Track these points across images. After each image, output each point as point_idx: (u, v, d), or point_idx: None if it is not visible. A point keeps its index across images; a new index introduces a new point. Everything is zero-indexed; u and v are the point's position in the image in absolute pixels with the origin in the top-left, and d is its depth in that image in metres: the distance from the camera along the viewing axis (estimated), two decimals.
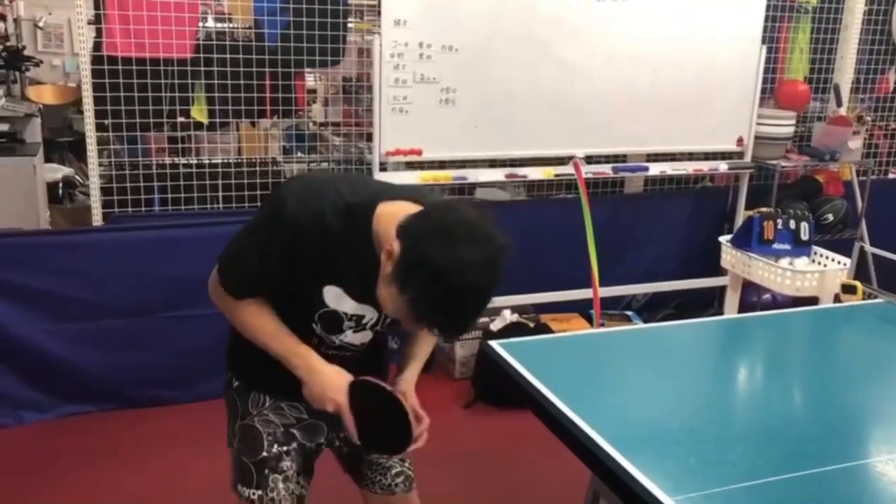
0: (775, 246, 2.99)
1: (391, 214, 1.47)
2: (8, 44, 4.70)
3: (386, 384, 1.67)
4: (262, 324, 1.62)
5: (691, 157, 4.09)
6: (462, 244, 1.35)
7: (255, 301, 1.61)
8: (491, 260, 1.37)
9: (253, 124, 3.74)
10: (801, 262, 2.99)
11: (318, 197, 1.51)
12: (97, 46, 3.25)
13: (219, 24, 3.53)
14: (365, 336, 1.68)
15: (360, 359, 1.72)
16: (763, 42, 3.96)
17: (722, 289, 3.92)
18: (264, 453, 1.71)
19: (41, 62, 5.38)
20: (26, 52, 5.20)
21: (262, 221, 1.56)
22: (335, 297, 1.58)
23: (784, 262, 2.97)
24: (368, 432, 1.63)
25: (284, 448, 1.73)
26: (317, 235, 1.49)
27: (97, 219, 3.35)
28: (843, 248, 3.62)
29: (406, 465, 1.86)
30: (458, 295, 1.36)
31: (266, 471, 1.71)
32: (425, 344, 1.80)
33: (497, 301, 3.72)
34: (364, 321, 1.64)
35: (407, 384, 1.74)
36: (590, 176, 3.77)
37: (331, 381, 1.60)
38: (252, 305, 1.61)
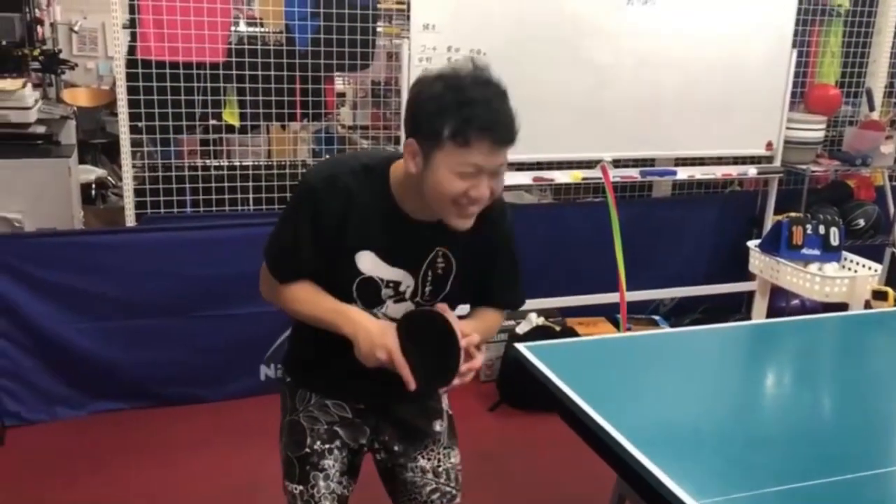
0: (804, 251, 2.97)
1: (400, 167, 1.56)
2: (45, 48, 4.79)
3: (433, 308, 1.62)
4: (306, 296, 1.64)
5: (720, 161, 4.07)
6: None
7: (300, 282, 1.64)
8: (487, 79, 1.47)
9: (283, 127, 3.78)
10: (831, 268, 2.97)
11: (335, 165, 1.65)
12: (132, 50, 3.31)
13: (250, 29, 3.58)
14: (407, 308, 1.67)
15: None
16: (794, 45, 3.92)
17: (750, 294, 3.90)
18: (307, 449, 1.75)
19: (76, 65, 5.48)
20: (62, 56, 5.30)
21: (291, 202, 1.65)
22: (369, 262, 1.60)
23: (813, 267, 2.95)
24: (423, 370, 1.56)
25: (327, 446, 1.75)
26: (336, 198, 1.55)
27: (130, 219, 3.41)
28: (874, 253, 3.57)
29: (442, 480, 1.82)
30: (472, 87, 1.44)
31: (307, 467, 1.74)
32: (489, 317, 1.78)
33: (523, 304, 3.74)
34: (402, 289, 1.64)
35: (466, 325, 1.65)
36: (617, 180, 3.77)
37: (377, 329, 1.57)
38: (296, 285, 1.64)
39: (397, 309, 1.65)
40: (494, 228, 1.67)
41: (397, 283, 1.63)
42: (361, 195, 1.56)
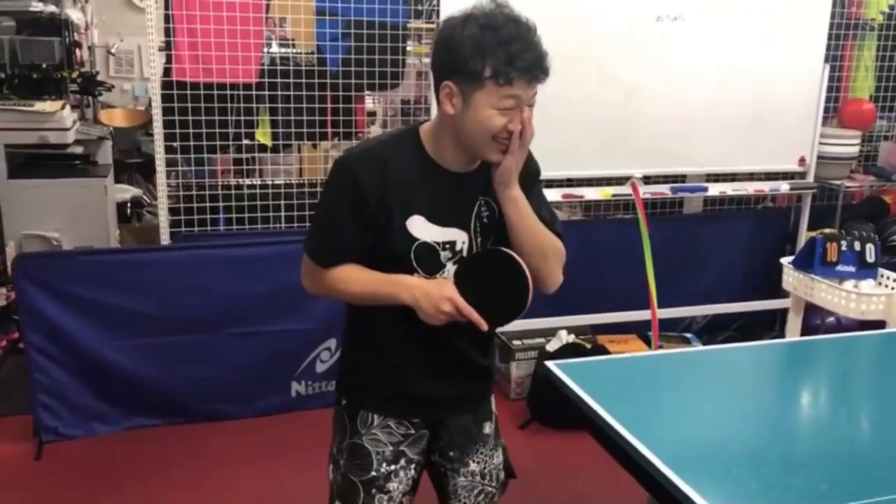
0: (839, 268, 2.92)
1: (432, 123, 1.62)
2: (83, 70, 4.90)
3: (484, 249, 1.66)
4: (356, 275, 1.64)
5: (752, 177, 4.03)
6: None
7: (346, 265, 1.65)
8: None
9: (314, 146, 3.82)
10: (867, 285, 2.91)
11: (366, 143, 1.72)
12: (167, 72, 3.38)
13: (282, 50, 3.64)
14: None
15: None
16: (826, 60, 3.88)
17: (784, 311, 3.84)
18: (373, 472, 1.73)
19: (112, 87, 5.60)
20: (99, 78, 5.42)
21: (329, 188, 1.65)
22: (421, 227, 1.61)
23: (849, 284, 2.90)
24: (496, 306, 1.60)
25: (393, 467, 1.74)
26: (375, 170, 1.57)
27: (165, 237, 3.47)
28: None
29: (486, 481, 1.84)
30: (506, 25, 1.49)
31: (373, 490, 1.73)
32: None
33: (553, 321, 3.73)
34: (458, 248, 1.65)
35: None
36: (648, 196, 3.75)
37: (434, 286, 1.59)
38: (343, 267, 1.65)
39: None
40: (524, 168, 1.67)
41: (452, 243, 1.64)
42: (399, 161, 1.59)
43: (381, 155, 1.60)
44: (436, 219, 1.62)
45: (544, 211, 1.71)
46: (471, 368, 1.77)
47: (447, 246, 1.64)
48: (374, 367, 1.73)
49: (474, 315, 1.57)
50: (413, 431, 1.76)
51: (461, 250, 1.65)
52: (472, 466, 1.82)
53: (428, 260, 1.63)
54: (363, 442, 1.74)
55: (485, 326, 1.58)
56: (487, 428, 1.85)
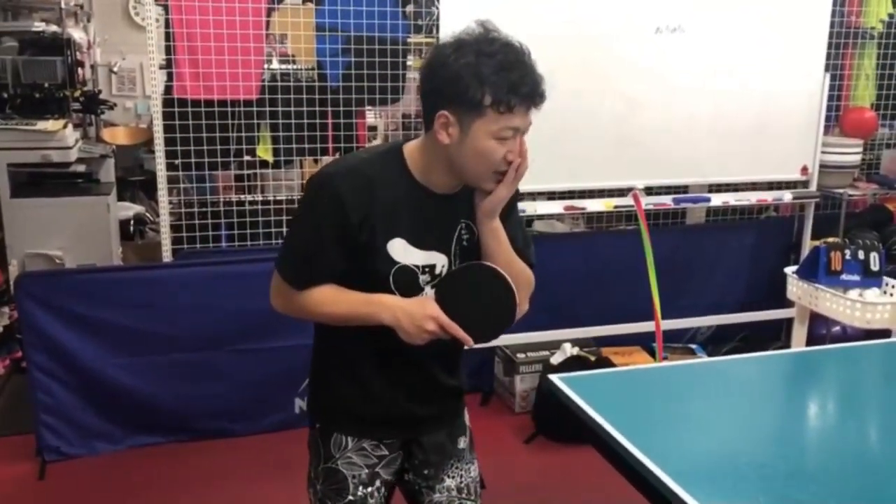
0: (843, 277, 2.90)
1: (417, 144, 1.58)
2: (85, 89, 4.92)
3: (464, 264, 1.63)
4: (333, 296, 1.60)
5: (754, 186, 4.02)
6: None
7: (321, 286, 1.60)
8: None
9: (316, 161, 3.82)
10: (872, 294, 2.89)
11: (349, 159, 1.67)
12: (168, 90, 3.39)
13: (283, 66, 3.64)
14: None
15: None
16: (826, 69, 3.88)
17: (789, 321, 3.82)
18: (350, 497, 1.71)
19: (115, 105, 5.62)
20: (101, 96, 5.45)
21: (307, 205, 1.60)
22: (401, 250, 1.58)
23: (853, 293, 2.88)
24: (481, 322, 1.58)
25: (369, 489, 1.73)
26: (359, 189, 1.53)
27: (167, 254, 3.46)
28: None
29: (464, 495, 1.83)
30: (503, 51, 1.46)
31: None
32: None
33: (557, 334, 3.72)
34: (437, 271, 1.62)
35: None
36: (650, 207, 3.74)
37: (416, 305, 1.56)
38: (319, 288, 1.60)
39: None
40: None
41: (432, 267, 1.62)
42: (383, 180, 1.55)
43: (366, 173, 1.55)
44: (417, 242, 1.59)
45: (520, 238, 1.71)
46: (442, 388, 1.75)
47: (427, 269, 1.61)
48: (346, 388, 1.70)
49: (460, 332, 1.55)
50: (387, 452, 1.75)
51: (440, 273, 1.63)
52: (448, 482, 1.80)
53: (406, 284, 1.60)
54: (338, 466, 1.72)
55: (471, 343, 1.56)
56: (462, 443, 1.84)
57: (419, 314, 1.54)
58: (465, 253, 1.65)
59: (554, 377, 2.01)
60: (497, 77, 1.44)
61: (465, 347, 1.61)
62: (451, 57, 1.47)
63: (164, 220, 3.45)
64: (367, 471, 1.72)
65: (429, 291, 1.62)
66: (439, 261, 1.62)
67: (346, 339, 1.66)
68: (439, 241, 1.61)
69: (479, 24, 1.51)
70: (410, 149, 1.60)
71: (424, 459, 1.78)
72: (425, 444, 1.78)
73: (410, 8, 3.64)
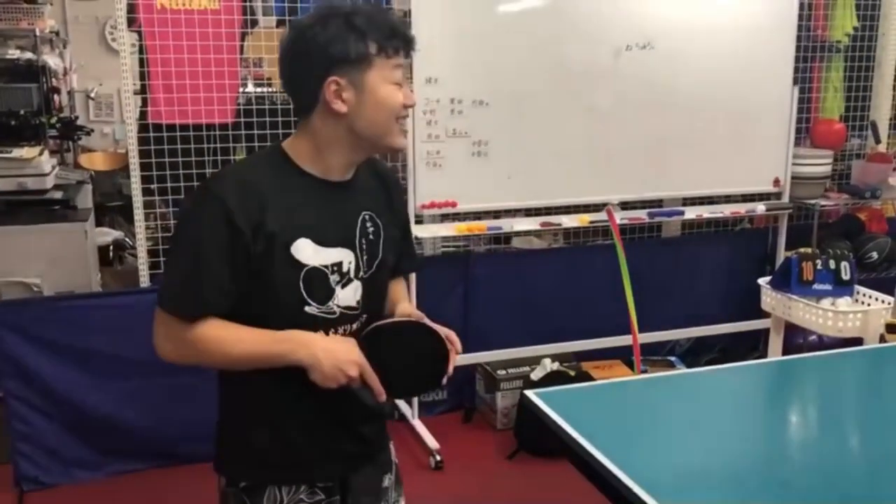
0: (816, 286, 2.95)
1: (296, 137, 1.54)
2: (62, 115, 4.91)
3: (393, 318, 1.59)
4: (234, 335, 1.46)
5: (728, 199, 4.08)
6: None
7: (214, 319, 1.45)
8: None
9: None
10: (844, 303, 2.94)
11: (230, 169, 1.65)
12: (143, 115, 3.39)
13: (258, 89, 3.66)
14: (357, 290, 1.56)
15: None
16: (795, 82, 3.96)
17: (766, 331, 3.85)
18: None
19: (92, 131, 5.61)
20: (79, 122, 5.43)
21: (185, 226, 1.50)
22: (308, 251, 1.49)
23: (825, 302, 2.92)
24: (401, 379, 1.52)
25: None
26: (245, 194, 1.44)
27: (145, 280, 3.46)
28: (890, 286, 3.55)
29: None
30: (364, 7, 1.48)
31: None
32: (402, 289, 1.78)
33: (537, 349, 3.74)
34: (345, 269, 1.53)
35: (410, 307, 1.67)
36: (625, 222, 3.78)
37: (338, 346, 1.47)
38: (212, 322, 1.45)
39: (346, 294, 1.55)
40: (394, 181, 1.71)
41: (339, 264, 1.52)
42: (271, 180, 1.47)
43: (250, 178, 1.47)
44: (321, 239, 1.49)
45: (415, 256, 1.80)
46: (365, 409, 1.56)
47: (335, 268, 1.51)
48: (270, 434, 1.56)
49: (377, 384, 1.47)
50: (324, 497, 1.60)
51: (348, 271, 1.53)
52: None
53: (318, 286, 1.49)
54: None
55: (384, 397, 1.48)
56: (387, 481, 1.74)
57: (343, 357, 1.45)
58: (372, 248, 1.58)
59: (530, 393, 2.01)
60: (373, 27, 1.46)
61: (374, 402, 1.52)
62: (317, 27, 1.46)
63: (141, 246, 3.45)
64: None
65: (339, 292, 1.53)
66: (345, 257, 1.53)
67: (259, 379, 1.52)
68: (343, 237, 1.53)
69: (322, 2, 1.56)
70: (290, 144, 1.54)
71: (354, 500, 1.66)
72: (354, 489, 1.65)
73: None
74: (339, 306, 1.54)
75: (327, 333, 1.53)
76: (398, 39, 1.49)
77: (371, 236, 1.59)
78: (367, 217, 1.58)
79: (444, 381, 1.57)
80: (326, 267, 1.51)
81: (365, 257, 1.57)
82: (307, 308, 1.50)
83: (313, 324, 1.51)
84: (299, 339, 1.47)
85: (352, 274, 1.55)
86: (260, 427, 1.57)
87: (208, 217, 1.43)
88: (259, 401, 1.57)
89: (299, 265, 1.48)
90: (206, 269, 1.43)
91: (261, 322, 1.48)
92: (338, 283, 1.53)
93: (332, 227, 1.52)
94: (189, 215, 1.51)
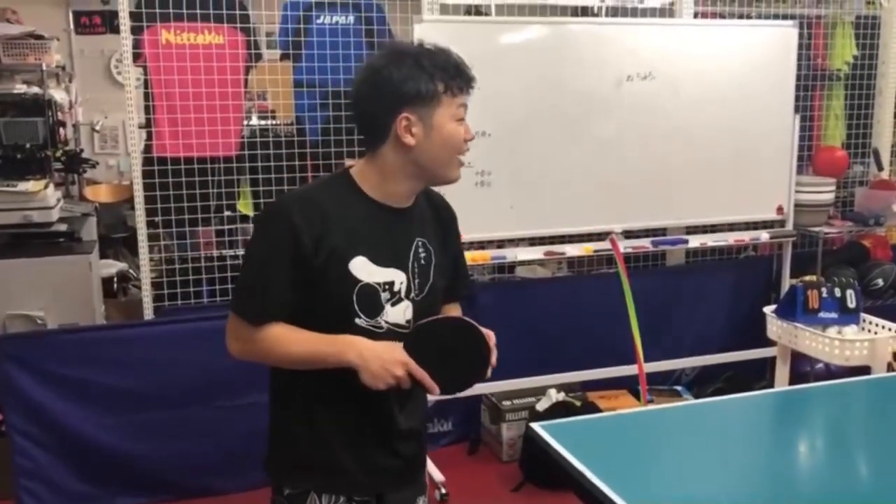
0: (821, 315, 2.93)
1: (364, 164, 1.66)
2: (67, 148, 4.95)
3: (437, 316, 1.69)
4: (294, 336, 1.60)
5: (731, 227, 4.07)
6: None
7: (278, 325, 1.61)
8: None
9: None
10: (850, 331, 2.92)
11: (298, 191, 1.77)
12: (148, 148, 3.42)
13: (262, 122, 3.69)
14: (406, 309, 1.67)
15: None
16: (796, 111, 3.97)
17: (773, 359, 3.83)
18: None
19: (97, 164, 5.65)
20: (84, 155, 5.47)
21: (260, 238, 1.65)
22: (363, 269, 1.61)
23: (832, 331, 2.91)
24: (447, 376, 1.61)
25: None
26: (314, 214, 1.57)
27: (148, 312, 3.46)
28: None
29: None
30: (429, 49, 1.61)
31: None
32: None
33: (542, 380, 3.71)
34: (396, 288, 1.65)
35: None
36: (629, 251, 3.78)
37: (384, 348, 1.59)
38: (276, 328, 1.60)
39: (396, 312, 1.66)
40: (449, 212, 1.80)
41: (391, 283, 1.64)
42: (336, 201, 1.61)
43: (316, 197, 1.61)
44: (377, 259, 1.62)
45: (467, 279, 1.88)
46: (405, 431, 1.74)
47: (387, 287, 1.64)
48: (316, 442, 1.68)
49: (427, 379, 1.58)
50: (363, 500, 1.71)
51: (399, 291, 1.65)
52: None
53: (369, 302, 1.62)
54: None
55: (437, 391, 1.59)
56: (420, 502, 1.84)
57: (389, 357, 1.56)
58: (423, 272, 1.69)
59: (536, 425, 2.00)
60: (440, 68, 1.59)
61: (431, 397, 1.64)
62: (391, 67, 1.58)
63: (145, 278, 3.46)
64: None
65: (389, 310, 1.65)
66: (398, 278, 1.65)
67: (310, 389, 1.66)
68: (397, 258, 1.65)
69: (389, 43, 1.66)
70: (358, 170, 1.66)
71: None
72: (391, 501, 1.76)
73: None
74: (387, 322, 1.65)
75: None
76: (462, 79, 1.62)
77: (423, 262, 1.70)
78: (420, 243, 1.70)
79: (489, 372, 1.67)
80: (379, 285, 1.63)
81: (417, 280, 1.68)
82: (357, 320, 1.62)
83: (362, 335, 1.63)
84: (348, 341, 1.59)
85: (402, 294, 1.66)
86: (305, 436, 1.69)
87: (275, 233, 1.58)
88: (305, 413, 1.68)
89: (355, 280, 1.60)
90: (270, 284, 1.58)
91: (315, 327, 1.60)
92: (388, 300, 1.65)
93: (388, 250, 1.64)
94: (258, 230, 1.66)
